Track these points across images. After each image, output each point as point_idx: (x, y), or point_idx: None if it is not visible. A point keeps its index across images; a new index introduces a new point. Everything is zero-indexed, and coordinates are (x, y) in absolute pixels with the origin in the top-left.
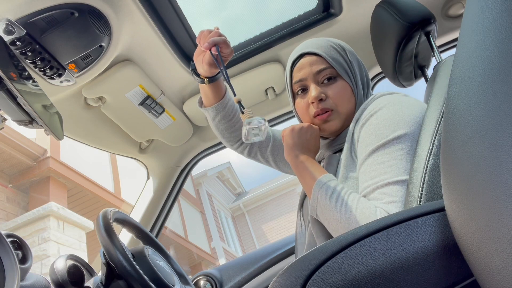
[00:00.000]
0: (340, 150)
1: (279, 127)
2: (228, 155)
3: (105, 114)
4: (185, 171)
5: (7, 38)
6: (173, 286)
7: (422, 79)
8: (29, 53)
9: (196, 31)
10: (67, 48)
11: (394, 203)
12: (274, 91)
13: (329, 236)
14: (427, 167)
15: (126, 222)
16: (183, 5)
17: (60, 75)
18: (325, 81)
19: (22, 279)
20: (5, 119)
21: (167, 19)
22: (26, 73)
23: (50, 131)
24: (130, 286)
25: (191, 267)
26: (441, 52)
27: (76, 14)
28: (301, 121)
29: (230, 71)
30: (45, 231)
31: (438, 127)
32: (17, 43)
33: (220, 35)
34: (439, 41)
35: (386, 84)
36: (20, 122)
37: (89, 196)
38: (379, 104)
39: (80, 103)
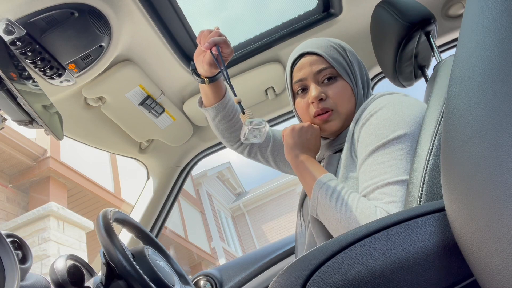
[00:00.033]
0: (340, 150)
1: (279, 127)
2: (228, 155)
3: (105, 114)
4: (185, 171)
5: (7, 38)
6: (173, 286)
7: (422, 79)
8: (29, 53)
9: (196, 31)
10: (67, 48)
11: (394, 203)
12: (274, 91)
13: (329, 236)
14: (427, 167)
15: (126, 222)
16: (183, 5)
17: (60, 75)
18: (325, 81)
19: (22, 279)
20: (5, 119)
21: (167, 19)
22: (26, 73)
23: (50, 131)
24: (130, 286)
25: (191, 267)
26: (441, 52)
27: (76, 14)
28: (301, 121)
29: (230, 71)
30: (45, 231)
31: (438, 127)
32: (17, 43)
33: (220, 35)
34: (439, 41)
35: (386, 84)
36: (20, 122)
37: (89, 196)
38: (379, 104)
39: (80, 103)
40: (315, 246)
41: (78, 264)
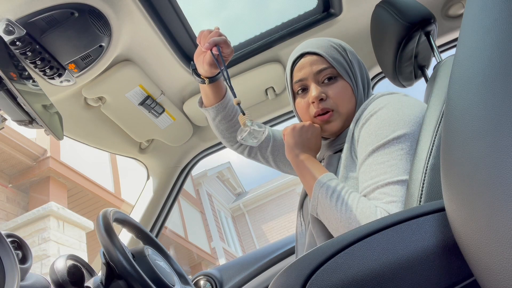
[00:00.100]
0: (340, 150)
1: (279, 127)
2: (228, 155)
3: (105, 114)
4: (185, 171)
5: (7, 38)
6: (173, 286)
7: (422, 79)
8: (29, 53)
9: (196, 31)
10: (67, 48)
11: (394, 203)
12: (274, 91)
13: (330, 236)
14: (427, 167)
15: (126, 222)
16: (183, 5)
17: (60, 75)
18: (326, 81)
19: (22, 279)
20: (5, 119)
21: (167, 19)
22: (26, 73)
23: (50, 131)
24: (130, 286)
25: (191, 267)
26: (441, 52)
27: (76, 14)
28: (301, 121)
29: (230, 71)
30: (45, 231)
31: (438, 127)
32: (17, 43)
33: (221, 35)
34: (439, 41)
35: (386, 84)
36: (20, 122)
37: (89, 196)
38: (379, 104)
39: (80, 103)
40: (316, 247)
41: (78, 264)
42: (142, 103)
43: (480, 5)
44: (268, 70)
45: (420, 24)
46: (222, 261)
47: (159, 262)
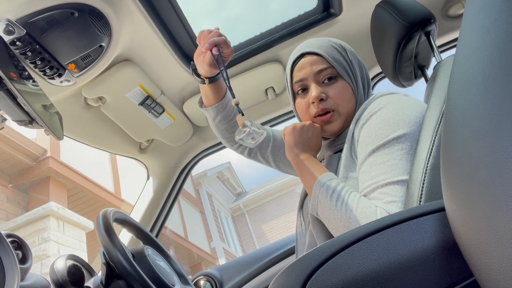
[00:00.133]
0: (340, 150)
1: (279, 127)
2: (228, 155)
3: (105, 114)
4: (185, 171)
5: (7, 38)
6: (173, 286)
7: (422, 79)
8: (29, 53)
9: (196, 31)
10: (67, 48)
11: (394, 203)
12: (274, 91)
13: (330, 236)
14: (427, 167)
15: (126, 222)
16: (183, 5)
17: (60, 75)
18: (326, 81)
19: (22, 279)
20: (5, 119)
21: (167, 19)
22: (26, 73)
23: (50, 131)
24: (130, 286)
25: (191, 267)
26: (441, 52)
27: (76, 14)
28: (301, 121)
29: (230, 71)
30: (45, 231)
31: (438, 127)
32: (17, 43)
33: (220, 35)
34: (439, 41)
35: (386, 84)
36: (20, 122)
37: (89, 196)
38: (379, 104)
39: (80, 103)
40: (316, 247)
41: (78, 264)
42: (142, 103)
43: (480, 5)
44: (268, 70)
45: (420, 24)
46: (222, 261)
47: (159, 262)
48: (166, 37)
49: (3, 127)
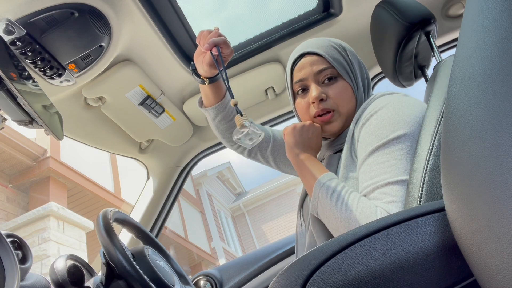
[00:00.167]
0: (341, 150)
1: (279, 127)
2: (228, 155)
3: (105, 114)
4: (185, 171)
5: (7, 38)
6: (173, 286)
7: (422, 79)
8: (29, 53)
9: (196, 31)
10: (67, 48)
11: (394, 203)
12: (274, 91)
13: (330, 236)
14: (427, 167)
15: (126, 222)
16: (183, 5)
17: (60, 75)
18: (326, 81)
19: (22, 279)
20: (5, 119)
21: (167, 19)
22: (26, 73)
23: (50, 131)
24: (130, 286)
25: (191, 267)
26: (441, 52)
27: (76, 14)
28: (301, 121)
29: (230, 71)
30: (45, 231)
31: (438, 127)
32: (17, 43)
33: (220, 35)
34: (439, 41)
35: (386, 84)
36: (20, 122)
37: (89, 196)
38: (379, 104)
39: (80, 103)
40: (316, 247)
41: (78, 264)
42: (142, 103)
43: (480, 5)
44: (268, 70)
45: (420, 24)
46: (222, 261)
47: (159, 262)
48: (166, 37)
49: (3, 127)
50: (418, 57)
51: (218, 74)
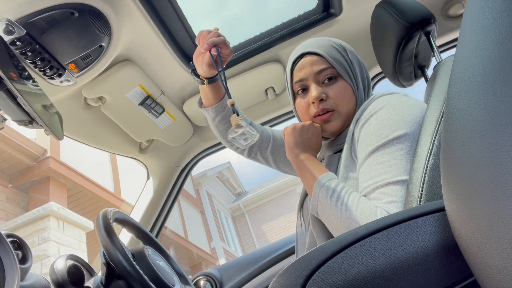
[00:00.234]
0: (341, 151)
1: (279, 127)
2: (228, 155)
3: (105, 114)
4: (185, 171)
5: (7, 38)
6: (173, 286)
7: (422, 79)
8: (29, 53)
9: (196, 31)
10: (67, 48)
11: (394, 203)
12: (274, 91)
13: (330, 236)
14: (427, 167)
15: (126, 222)
16: (183, 5)
17: (60, 75)
18: (326, 81)
19: (22, 279)
20: (5, 119)
21: (167, 19)
22: (26, 73)
23: (50, 131)
24: (130, 286)
25: (191, 267)
26: (441, 52)
27: (76, 14)
28: (301, 121)
29: (230, 71)
30: (45, 231)
31: (438, 127)
32: (17, 43)
33: (220, 35)
34: (439, 41)
35: (386, 84)
36: (20, 122)
37: (89, 196)
38: (379, 104)
39: (80, 103)
40: (316, 247)
41: (78, 264)
42: (142, 103)
43: (480, 5)
44: (268, 70)
45: (420, 24)
46: (222, 261)
47: (159, 262)
48: (166, 37)
49: (3, 127)
50: (418, 57)
51: (217, 74)
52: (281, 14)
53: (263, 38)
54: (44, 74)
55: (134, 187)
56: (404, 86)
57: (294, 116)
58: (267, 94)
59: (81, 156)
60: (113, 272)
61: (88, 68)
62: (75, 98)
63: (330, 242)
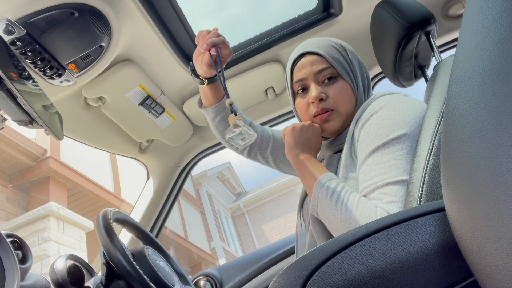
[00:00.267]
0: (341, 151)
1: (279, 127)
2: (228, 155)
3: (105, 114)
4: (185, 171)
5: (7, 38)
6: (173, 286)
7: (422, 79)
8: (29, 53)
9: (196, 31)
10: (67, 48)
11: (394, 203)
12: (274, 91)
13: (330, 236)
14: (427, 167)
15: (126, 222)
16: (183, 5)
17: (60, 75)
18: (326, 81)
19: (22, 279)
20: (5, 119)
21: (167, 19)
22: (26, 73)
23: (50, 131)
24: (130, 286)
25: (191, 267)
26: (441, 52)
27: (76, 14)
28: (301, 121)
29: (230, 71)
30: (45, 231)
31: (438, 127)
32: (17, 43)
33: (219, 35)
34: (439, 41)
35: (386, 84)
36: (20, 122)
37: (89, 196)
38: (379, 104)
39: (80, 103)
40: (316, 247)
41: (78, 264)
42: (142, 103)
43: (480, 5)
44: (268, 70)
45: (420, 24)
46: (222, 261)
47: (159, 262)
48: (166, 37)
49: (3, 127)
50: (418, 57)
51: (217, 74)
52: (281, 14)
53: (263, 38)
54: (44, 74)
55: (134, 187)
56: (404, 86)
57: (294, 116)
58: (267, 94)
59: (81, 156)
60: (113, 272)
61: (88, 68)
62: (75, 98)
63: (330, 242)
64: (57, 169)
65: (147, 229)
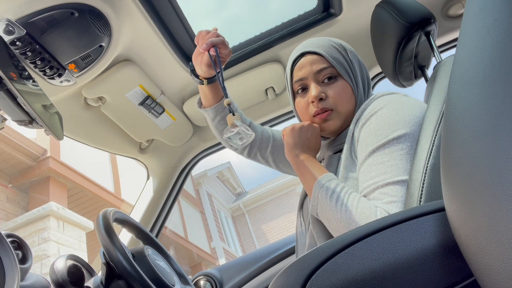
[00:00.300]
0: (340, 151)
1: (279, 127)
2: (228, 155)
3: (105, 114)
4: (185, 171)
5: (7, 38)
6: (173, 286)
7: (422, 79)
8: (29, 53)
9: (196, 31)
10: (67, 48)
11: (394, 203)
12: (274, 91)
13: (330, 236)
14: (427, 167)
15: (126, 222)
16: (183, 5)
17: (60, 75)
18: (326, 81)
19: (22, 279)
20: (5, 119)
21: (167, 19)
22: (26, 73)
23: (50, 131)
24: (130, 286)
25: (191, 267)
26: (441, 52)
27: (76, 14)
28: (301, 121)
29: (230, 71)
30: (45, 231)
31: (438, 127)
32: (17, 43)
33: (218, 35)
34: (439, 41)
35: (386, 84)
36: (20, 122)
37: (89, 196)
38: (379, 104)
39: (80, 103)
40: (316, 247)
41: (78, 264)
42: (142, 103)
43: (480, 5)
44: (268, 70)
45: (420, 24)
46: (222, 261)
47: (159, 262)
48: (166, 37)
49: (3, 127)
50: (418, 57)
51: (216, 74)
52: (281, 14)
53: (263, 38)
54: (44, 74)
55: (134, 187)
56: (404, 86)
57: (294, 116)
58: (267, 94)
59: (81, 156)
60: (113, 272)
61: (88, 68)
62: (75, 98)
63: (330, 242)
64: (57, 169)
65: (147, 229)
